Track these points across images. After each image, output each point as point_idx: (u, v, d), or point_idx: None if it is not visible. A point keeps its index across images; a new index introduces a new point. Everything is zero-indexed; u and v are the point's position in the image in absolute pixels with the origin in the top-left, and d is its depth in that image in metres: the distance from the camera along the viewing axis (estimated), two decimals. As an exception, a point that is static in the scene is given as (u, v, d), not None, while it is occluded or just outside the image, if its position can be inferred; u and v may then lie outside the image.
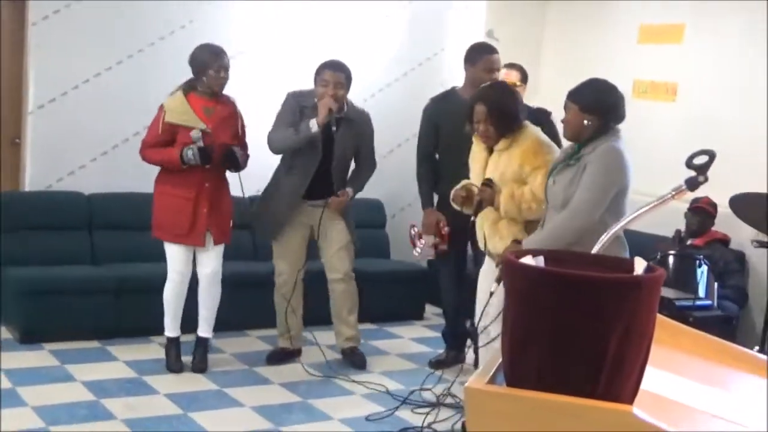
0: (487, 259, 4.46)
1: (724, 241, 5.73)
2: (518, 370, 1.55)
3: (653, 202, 2.18)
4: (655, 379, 1.77)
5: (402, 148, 6.82)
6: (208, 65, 4.80)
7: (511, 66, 6.01)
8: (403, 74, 7.07)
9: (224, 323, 5.63)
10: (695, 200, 5.71)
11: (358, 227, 5.52)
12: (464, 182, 4.48)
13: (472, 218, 4.41)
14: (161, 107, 4.86)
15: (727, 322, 4.69)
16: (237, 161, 4.89)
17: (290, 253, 5.24)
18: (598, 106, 3.72)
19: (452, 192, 4.46)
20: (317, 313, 5.51)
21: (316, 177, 5.12)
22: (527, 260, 1.62)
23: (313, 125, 4.93)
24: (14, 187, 5.97)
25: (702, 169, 2.29)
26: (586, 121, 3.70)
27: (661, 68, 6.61)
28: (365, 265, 6.02)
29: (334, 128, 4.99)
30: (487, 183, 4.30)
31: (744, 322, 5.73)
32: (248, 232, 6.35)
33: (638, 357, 1.54)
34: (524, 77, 5.96)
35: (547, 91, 7.01)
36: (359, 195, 5.55)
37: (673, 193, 2.21)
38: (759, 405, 1.75)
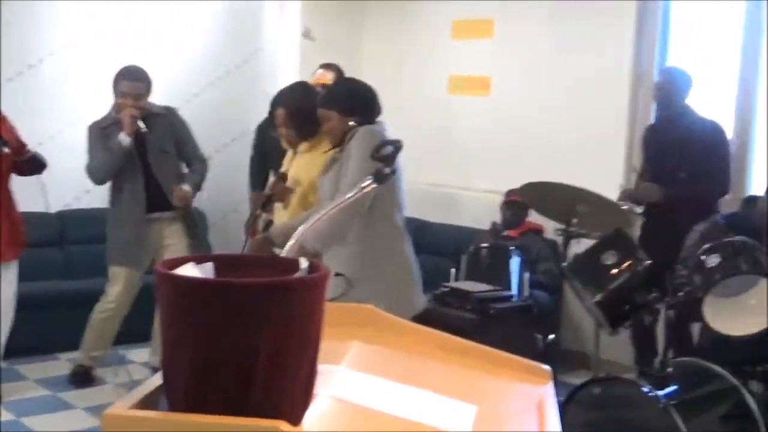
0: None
1: (538, 231, 5.80)
2: (172, 390, 1.42)
3: (343, 199, 2.09)
4: (357, 384, 1.67)
5: (221, 154, 6.64)
6: None
7: (326, 66, 5.91)
8: (226, 73, 6.87)
9: (30, 347, 5.35)
10: (509, 192, 5.76)
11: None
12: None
13: (258, 211, 4.24)
14: None
15: (527, 312, 4.69)
16: (41, 163, 4.68)
17: (129, 280, 5.00)
18: (357, 105, 3.57)
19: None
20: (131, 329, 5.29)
21: (148, 188, 4.93)
22: (184, 268, 1.49)
23: (123, 138, 4.79)
24: None
25: (388, 161, 2.22)
26: (351, 123, 3.51)
27: (475, 63, 6.65)
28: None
29: (144, 129, 4.82)
30: (282, 178, 4.14)
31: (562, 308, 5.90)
32: (56, 248, 6.07)
33: (300, 365, 1.43)
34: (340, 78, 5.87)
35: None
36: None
37: (363, 186, 2.13)
38: (463, 402, 1.68)
